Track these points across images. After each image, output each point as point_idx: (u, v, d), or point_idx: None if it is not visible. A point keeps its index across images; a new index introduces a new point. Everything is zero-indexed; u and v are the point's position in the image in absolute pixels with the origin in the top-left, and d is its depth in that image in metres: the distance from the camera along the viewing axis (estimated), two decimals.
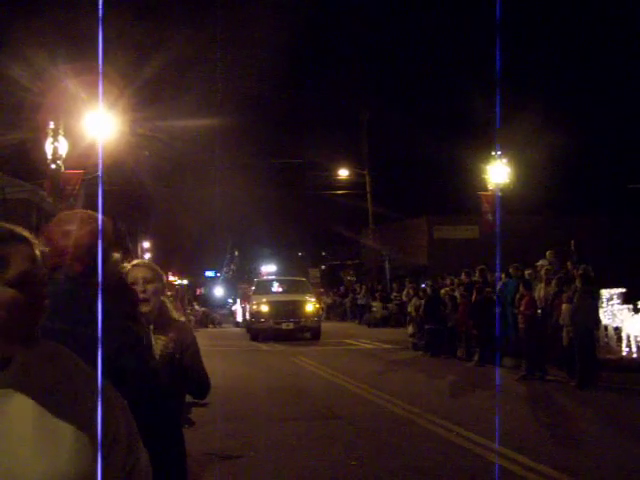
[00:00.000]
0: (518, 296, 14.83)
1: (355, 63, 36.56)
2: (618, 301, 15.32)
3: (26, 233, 1.55)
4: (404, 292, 26.14)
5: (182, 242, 54.74)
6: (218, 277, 73.36)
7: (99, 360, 1.61)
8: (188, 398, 4.15)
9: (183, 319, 4.65)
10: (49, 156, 18.63)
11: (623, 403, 11.37)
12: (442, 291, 19.24)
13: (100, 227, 2.19)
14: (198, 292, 43.39)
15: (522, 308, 14.47)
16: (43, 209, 28.39)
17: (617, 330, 15.26)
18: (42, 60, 19.46)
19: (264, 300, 25.46)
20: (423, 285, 22.39)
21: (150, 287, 3.58)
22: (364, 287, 36.78)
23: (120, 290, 3.09)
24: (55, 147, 18.62)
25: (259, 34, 37.61)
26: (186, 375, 3.64)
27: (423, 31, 41.70)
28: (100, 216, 2.24)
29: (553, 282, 14.71)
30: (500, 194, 23.16)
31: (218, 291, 62.90)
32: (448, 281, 20.88)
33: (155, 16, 40.60)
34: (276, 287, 28.36)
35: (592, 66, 37.89)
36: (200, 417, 8.37)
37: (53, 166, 18.72)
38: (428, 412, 10.24)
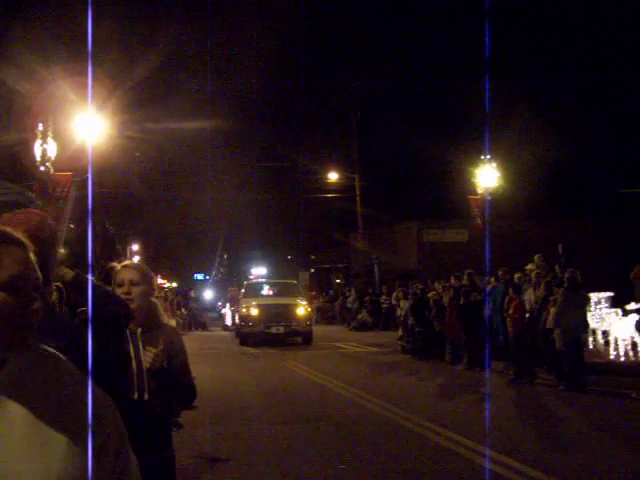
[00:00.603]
0: (507, 300, 14.87)
1: (345, 66, 36.60)
2: (606, 305, 15.41)
3: (21, 236, 1.54)
4: (393, 295, 26.18)
5: (172, 245, 54.63)
6: (207, 280, 73.19)
7: (89, 364, 1.60)
8: None
9: (173, 323, 4.63)
10: (38, 158, 18.54)
11: (611, 407, 11.41)
12: (430, 294, 19.28)
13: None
14: (191, 294, 43.27)
15: (511, 312, 14.50)
16: None
17: (605, 334, 15.35)
18: (31, 62, 19.40)
19: (254, 303, 24.91)
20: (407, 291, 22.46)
21: (137, 289, 3.56)
22: (353, 290, 36.78)
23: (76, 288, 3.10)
24: (44, 149, 18.51)
25: (250, 37, 37.65)
26: (172, 381, 3.58)
27: (413, 34, 41.83)
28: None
29: (542, 286, 14.76)
30: (489, 198, 23.22)
31: (207, 294, 62.70)
32: (436, 285, 20.93)
33: (145, 17, 40.54)
34: (266, 290, 27.94)
35: (582, 71, 38.08)
36: (189, 420, 8.35)
37: (42, 168, 18.62)
38: (417, 415, 10.25)
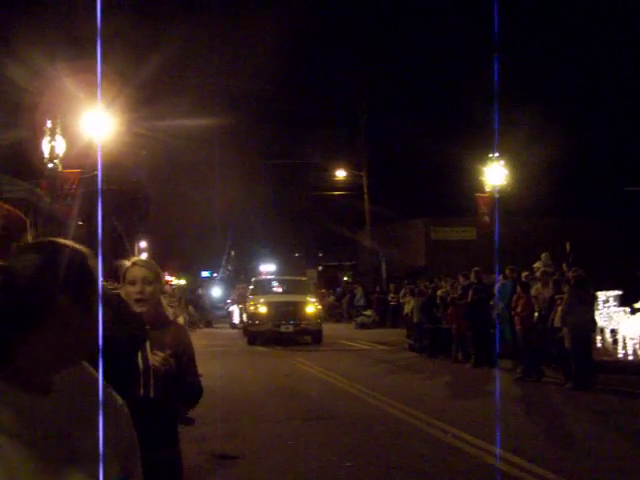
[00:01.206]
0: (515, 297, 14.84)
1: (354, 64, 36.51)
2: (614, 303, 15.34)
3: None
4: (401, 293, 26.11)
5: (180, 242, 54.69)
6: (214, 277, 73.12)
7: (100, 367, 1.56)
8: None
9: (181, 320, 4.59)
10: (46, 155, 18.60)
11: (619, 405, 11.36)
12: (438, 292, 19.25)
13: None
14: (199, 292, 43.26)
15: (519, 310, 14.47)
16: (40, 209, 28.33)
17: (613, 332, 15.29)
18: (39, 59, 19.42)
19: (262, 301, 24.13)
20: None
21: (149, 288, 3.47)
22: (360, 288, 36.74)
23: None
24: (52, 146, 18.57)
25: (257, 34, 37.57)
26: (179, 380, 3.51)
27: (422, 33, 41.69)
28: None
29: (550, 284, 14.71)
30: (497, 196, 23.18)
31: (215, 291, 62.66)
32: (444, 283, 20.88)
33: (153, 15, 40.55)
34: (275, 287, 27.10)
35: (591, 69, 37.97)
36: (198, 418, 8.36)
37: (50, 165, 18.68)
38: (424, 413, 10.25)
